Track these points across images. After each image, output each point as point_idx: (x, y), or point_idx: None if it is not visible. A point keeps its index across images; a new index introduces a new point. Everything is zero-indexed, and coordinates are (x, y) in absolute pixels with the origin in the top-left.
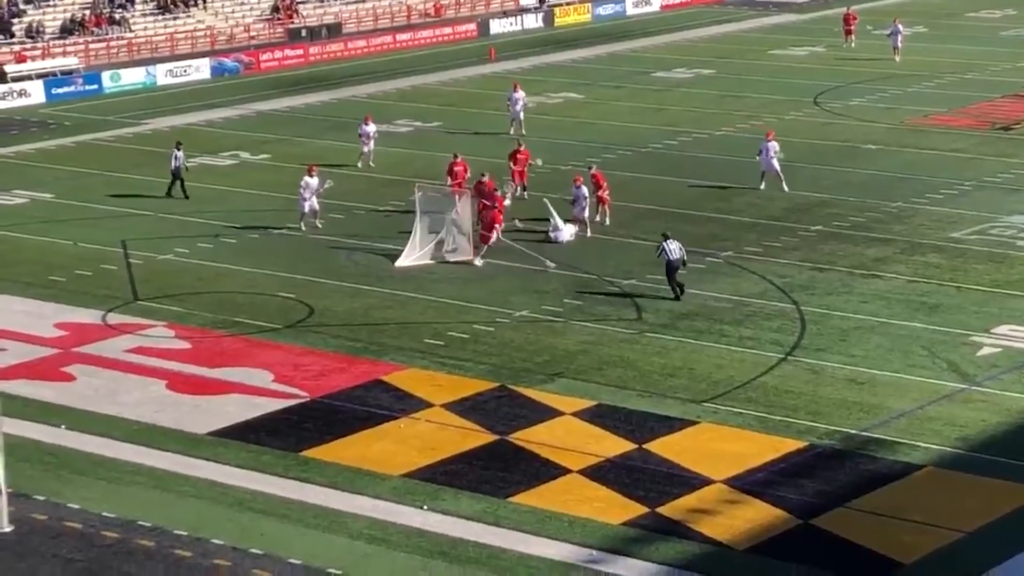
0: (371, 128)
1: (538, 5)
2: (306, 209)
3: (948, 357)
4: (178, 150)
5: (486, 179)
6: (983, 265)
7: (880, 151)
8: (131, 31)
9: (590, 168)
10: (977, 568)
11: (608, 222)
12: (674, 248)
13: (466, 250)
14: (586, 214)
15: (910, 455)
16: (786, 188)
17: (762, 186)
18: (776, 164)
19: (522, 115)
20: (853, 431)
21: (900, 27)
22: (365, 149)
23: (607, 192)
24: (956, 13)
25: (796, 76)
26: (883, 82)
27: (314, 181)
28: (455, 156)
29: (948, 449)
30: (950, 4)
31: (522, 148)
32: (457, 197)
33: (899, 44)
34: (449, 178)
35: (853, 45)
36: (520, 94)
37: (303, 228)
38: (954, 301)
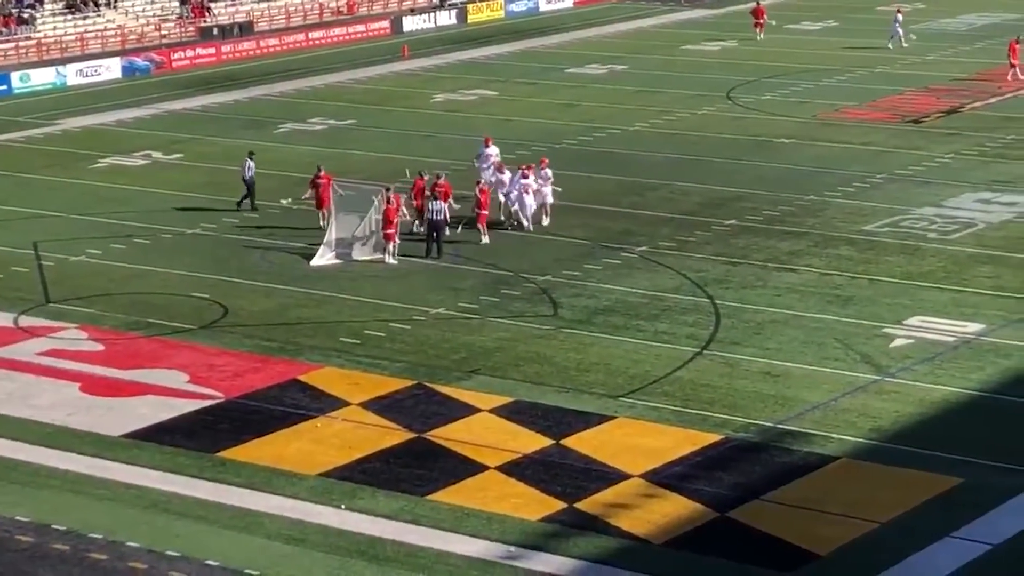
0: (493, 151)
1: (442, 4)
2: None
3: (861, 349)
4: (250, 159)
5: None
6: (895, 257)
7: (792, 145)
8: (39, 31)
9: (438, 177)
10: (893, 558)
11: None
12: (438, 209)
13: (377, 249)
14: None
15: (825, 447)
16: (540, 223)
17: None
18: (530, 200)
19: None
20: (768, 424)
21: (900, 17)
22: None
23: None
24: (866, 7)
25: (709, 71)
26: (795, 76)
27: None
28: (319, 168)
29: (862, 440)
30: None
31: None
32: (375, 196)
33: (899, 31)
34: (311, 190)
35: (761, 37)
36: (493, 150)
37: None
38: (867, 293)
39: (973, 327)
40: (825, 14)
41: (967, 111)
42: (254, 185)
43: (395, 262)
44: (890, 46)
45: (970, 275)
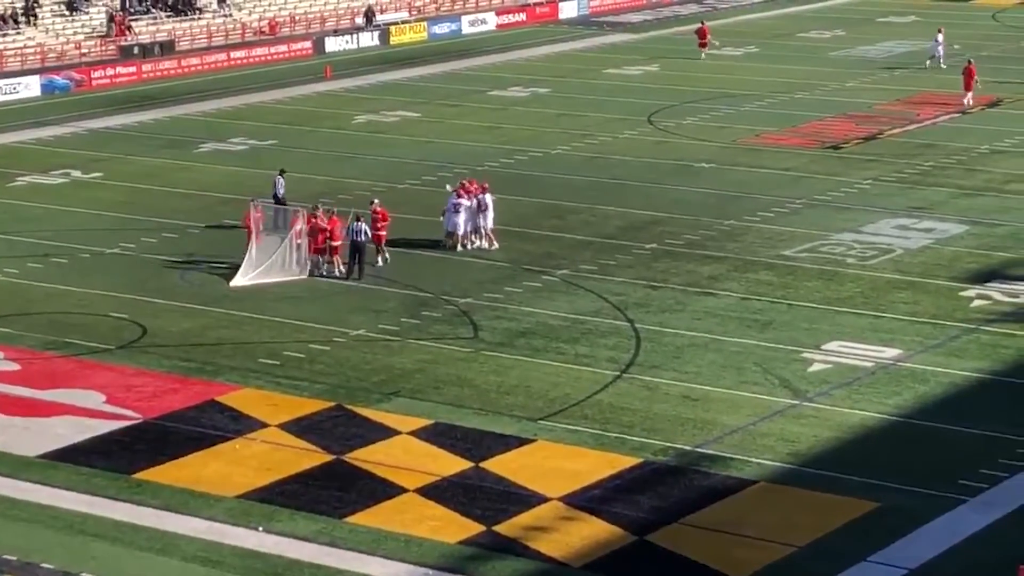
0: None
1: (365, 25)
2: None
3: (780, 373)
4: (281, 177)
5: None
6: (813, 282)
7: (713, 169)
8: None
9: (372, 203)
10: None
11: (388, 261)
12: (361, 229)
13: (302, 269)
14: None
15: (743, 470)
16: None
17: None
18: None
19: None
20: (687, 447)
21: (941, 38)
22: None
23: (384, 230)
24: (787, 33)
25: (630, 95)
26: (716, 101)
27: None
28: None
29: (780, 464)
30: (781, 24)
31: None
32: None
33: (940, 52)
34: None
35: (704, 57)
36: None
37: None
38: (785, 318)
39: (890, 352)
40: (746, 40)
41: (886, 137)
42: (286, 203)
43: (343, 270)
44: (928, 64)
45: (888, 301)
